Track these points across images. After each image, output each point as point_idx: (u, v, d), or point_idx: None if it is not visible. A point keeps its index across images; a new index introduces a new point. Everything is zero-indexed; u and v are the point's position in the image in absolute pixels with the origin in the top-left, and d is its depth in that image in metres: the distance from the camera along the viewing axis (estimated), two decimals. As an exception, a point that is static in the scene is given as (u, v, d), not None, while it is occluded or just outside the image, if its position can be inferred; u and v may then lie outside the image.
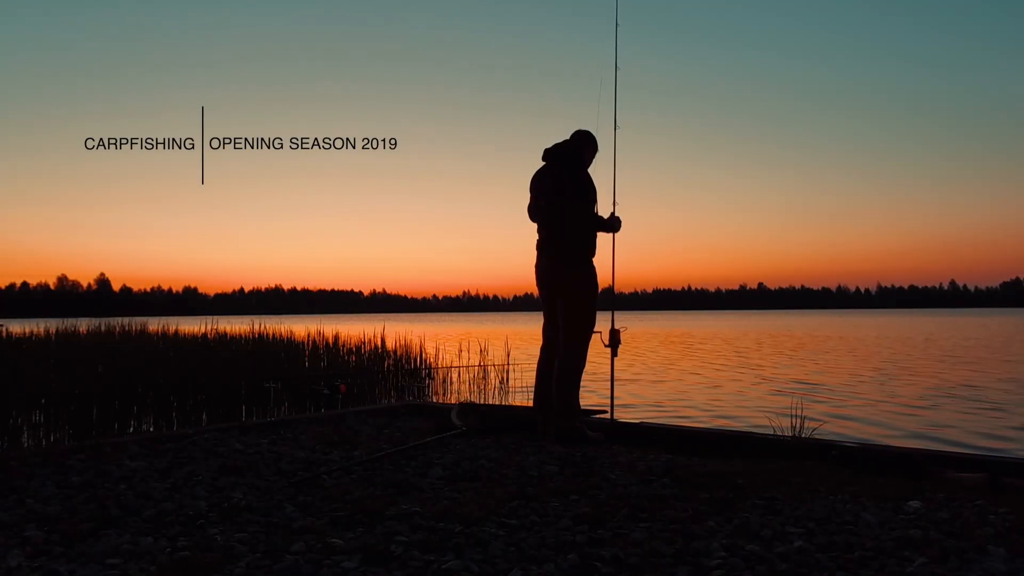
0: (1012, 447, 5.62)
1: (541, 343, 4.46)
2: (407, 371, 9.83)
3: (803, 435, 3.90)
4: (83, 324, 13.58)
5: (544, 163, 4.44)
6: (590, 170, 4.36)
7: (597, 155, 4.44)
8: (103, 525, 2.49)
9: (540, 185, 4.39)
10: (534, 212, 4.45)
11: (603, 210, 4.32)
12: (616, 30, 4.52)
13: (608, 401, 4.67)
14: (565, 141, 4.41)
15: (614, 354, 4.39)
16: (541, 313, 4.48)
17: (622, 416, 4.62)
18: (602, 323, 4.32)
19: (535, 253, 4.45)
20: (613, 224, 4.35)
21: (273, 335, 10.14)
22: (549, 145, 4.42)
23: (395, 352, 10.24)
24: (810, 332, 30.95)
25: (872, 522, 2.50)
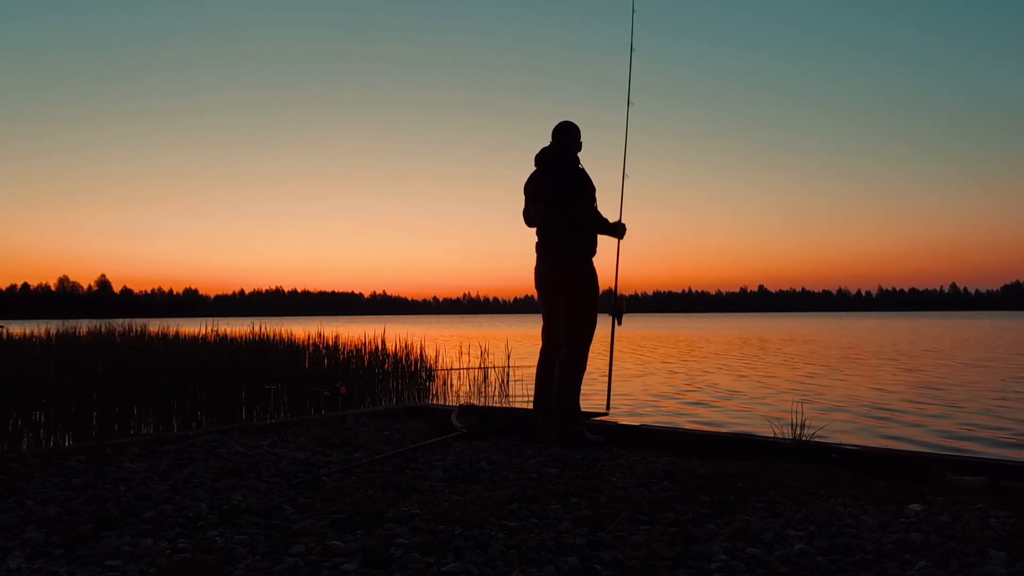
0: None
1: (541, 345, 4.46)
2: (407, 373, 9.82)
3: (803, 437, 3.90)
4: (84, 325, 13.60)
5: (537, 167, 4.43)
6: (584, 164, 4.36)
7: (592, 153, 4.46)
8: (103, 527, 2.49)
9: (537, 189, 4.37)
10: (531, 217, 4.44)
11: (610, 198, 4.38)
12: (632, 16, 4.69)
13: (601, 399, 4.71)
14: (555, 144, 4.37)
15: (618, 322, 4.40)
16: (542, 315, 4.48)
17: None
18: (603, 325, 4.34)
19: (535, 256, 4.44)
20: (617, 230, 4.35)
21: (273, 337, 10.14)
22: (543, 147, 4.41)
23: (395, 354, 10.23)
24: (783, 335, 31.06)
25: (873, 525, 2.50)
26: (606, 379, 4.70)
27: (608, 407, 4.65)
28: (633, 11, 4.67)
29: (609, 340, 4.73)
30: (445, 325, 60.94)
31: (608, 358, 4.80)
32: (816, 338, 27.93)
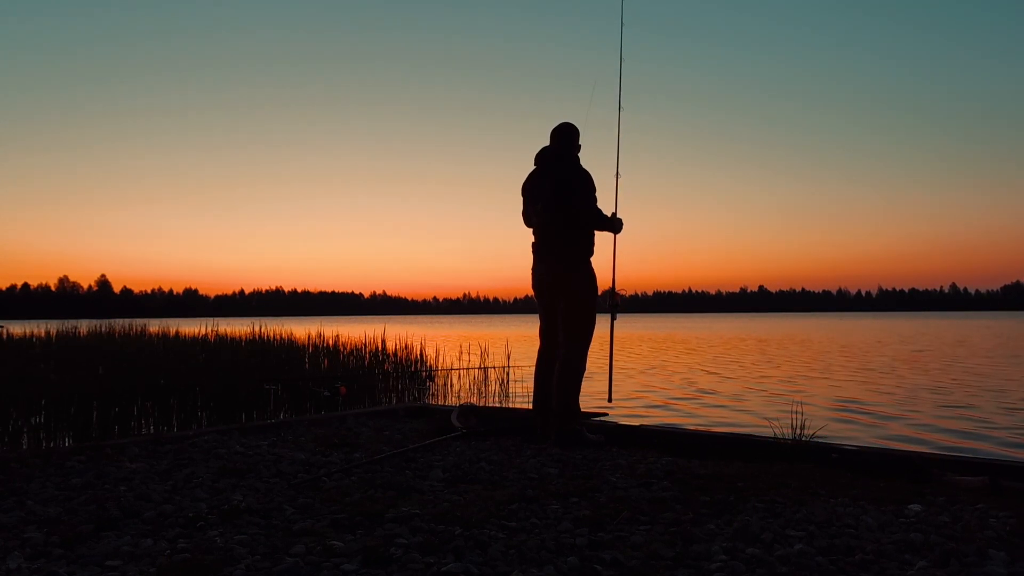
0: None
1: (539, 346, 4.45)
2: (407, 373, 9.81)
3: (803, 438, 3.90)
4: (84, 325, 13.60)
5: (536, 167, 4.42)
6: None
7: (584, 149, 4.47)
8: (103, 527, 2.49)
9: (535, 189, 4.36)
10: (529, 217, 4.43)
11: (606, 196, 4.38)
12: (621, 29, 4.75)
13: (602, 398, 4.75)
14: (555, 144, 4.36)
15: (614, 316, 4.54)
16: (539, 315, 4.48)
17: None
18: (602, 321, 4.34)
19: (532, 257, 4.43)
20: (615, 224, 4.35)
21: (273, 337, 10.13)
22: (543, 147, 4.40)
23: (395, 354, 10.22)
24: (783, 335, 31.09)
25: (873, 525, 2.50)
26: (606, 375, 4.77)
27: (610, 398, 4.80)
28: (622, 24, 4.77)
29: (608, 337, 4.75)
30: (445, 325, 60.96)
31: (608, 353, 4.82)
32: (815, 338, 27.96)
